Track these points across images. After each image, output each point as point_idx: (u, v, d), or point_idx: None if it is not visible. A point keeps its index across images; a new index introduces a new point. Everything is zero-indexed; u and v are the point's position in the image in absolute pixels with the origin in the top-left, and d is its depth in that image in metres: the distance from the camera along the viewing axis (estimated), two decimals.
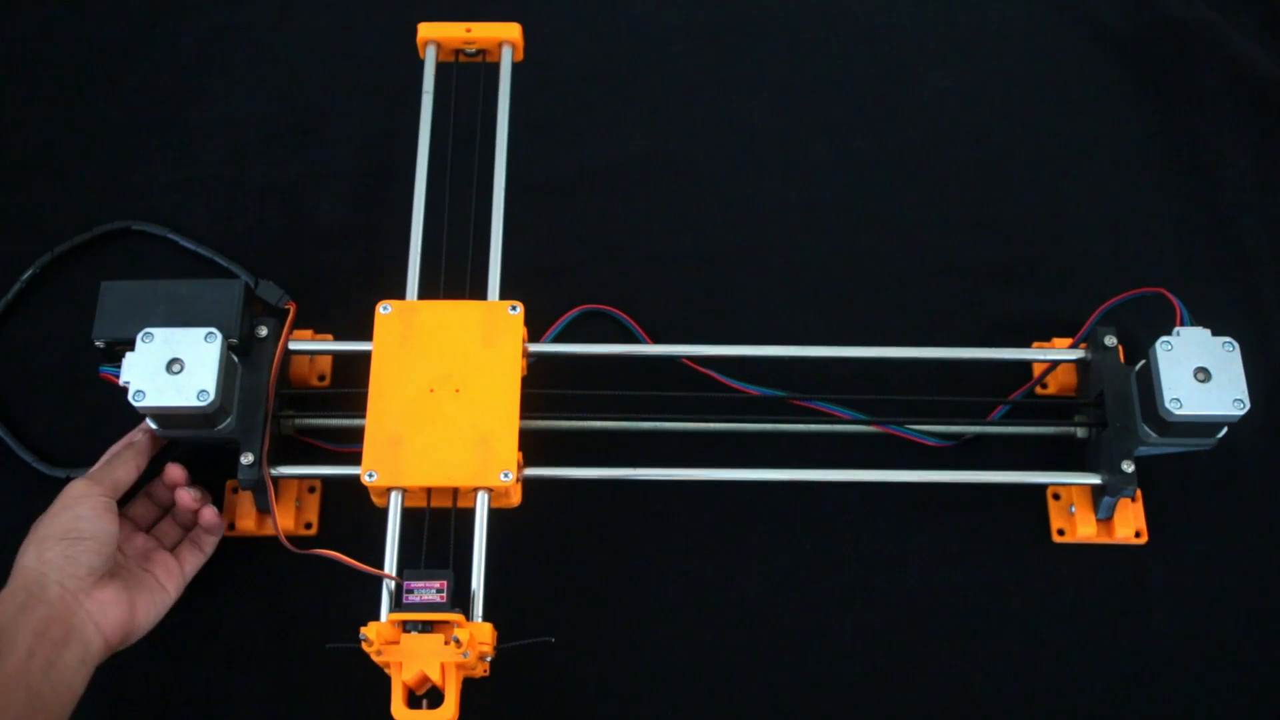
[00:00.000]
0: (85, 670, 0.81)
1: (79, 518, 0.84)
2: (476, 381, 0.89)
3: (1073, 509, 0.95)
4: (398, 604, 0.83)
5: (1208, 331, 0.90)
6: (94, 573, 0.82)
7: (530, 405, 0.90)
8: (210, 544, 0.92)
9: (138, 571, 0.87)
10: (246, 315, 0.92)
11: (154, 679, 0.91)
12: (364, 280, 1.03)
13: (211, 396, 0.85)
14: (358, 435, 0.89)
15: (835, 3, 1.19)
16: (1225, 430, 0.90)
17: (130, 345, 0.87)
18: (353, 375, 0.99)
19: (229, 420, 0.89)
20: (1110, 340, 0.94)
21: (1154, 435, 0.89)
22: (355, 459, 0.89)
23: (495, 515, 0.88)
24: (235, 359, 0.90)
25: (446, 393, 0.89)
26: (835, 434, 0.97)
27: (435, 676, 0.80)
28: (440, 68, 1.01)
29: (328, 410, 0.96)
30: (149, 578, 0.87)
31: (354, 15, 1.18)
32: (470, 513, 0.87)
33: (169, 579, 0.88)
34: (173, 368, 0.85)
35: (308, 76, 1.14)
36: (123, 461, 0.89)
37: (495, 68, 1.01)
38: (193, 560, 0.90)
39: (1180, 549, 0.95)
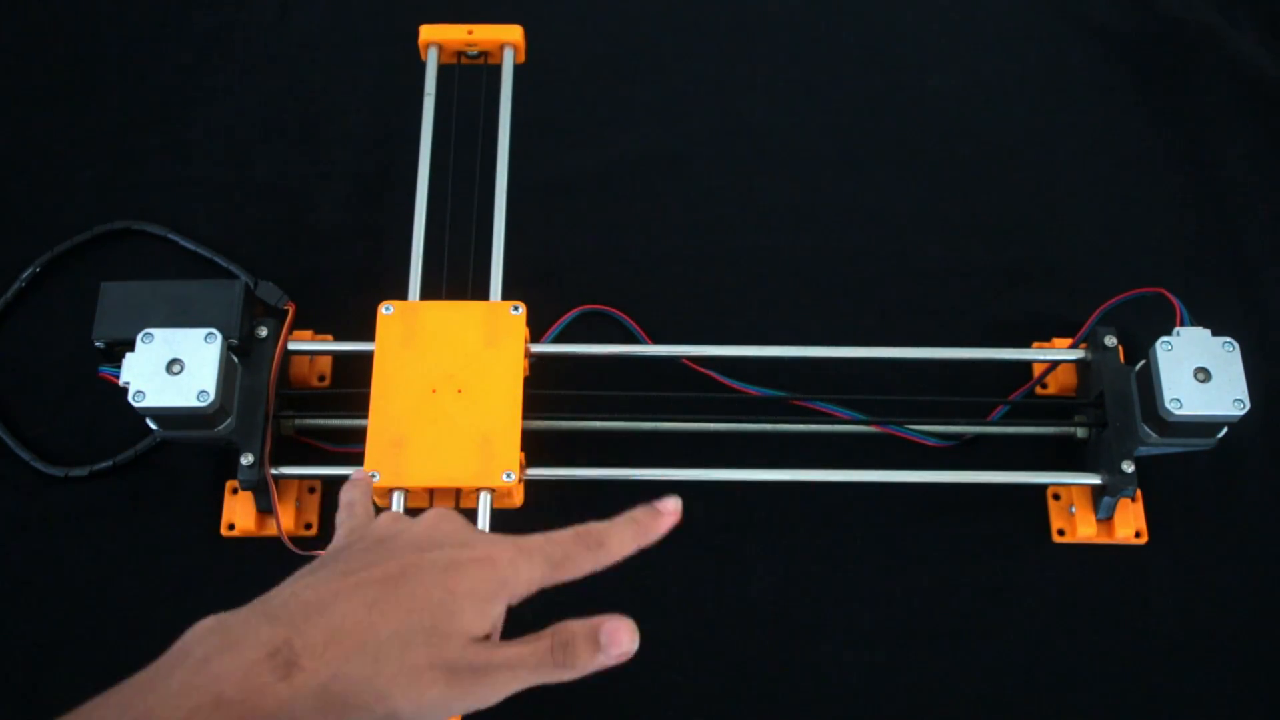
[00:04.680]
0: None
1: None
2: (479, 382, 0.89)
3: (1073, 509, 0.95)
4: None
5: (1208, 331, 0.90)
6: None
7: (531, 406, 0.90)
8: None
9: None
10: (246, 316, 0.92)
11: None
12: (364, 281, 1.03)
13: (211, 397, 0.85)
14: (358, 436, 0.90)
15: (836, 3, 1.19)
16: (1225, 430, 0.90)
17: (130, 345, 0.86)
18: (352, 376, 0.99)
19: (229, 421, 0.88)
20: (1110, 340, 0.94)
21: (1154, 435, 0.89)
22: (356, 459, 0.89)
23: (496, 516, 0.88)
24: (235, 359, 0.90)
25: (449, 393, 0.89)
26: (835, 434, 0.97)
27: None
28: (442, 69, 1.01)
29: (328, 411, 0.95)
30: None
31: (354, 15, 1.18)
32: (472, 513, 0.87)
33: None
34: (173, 368, 0.85)
35: (308, 76, 1.14)
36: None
37: (497, 69, 1.01)
38: None
39: (1180, 549, 0.95)
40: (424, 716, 0.55)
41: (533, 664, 0.59)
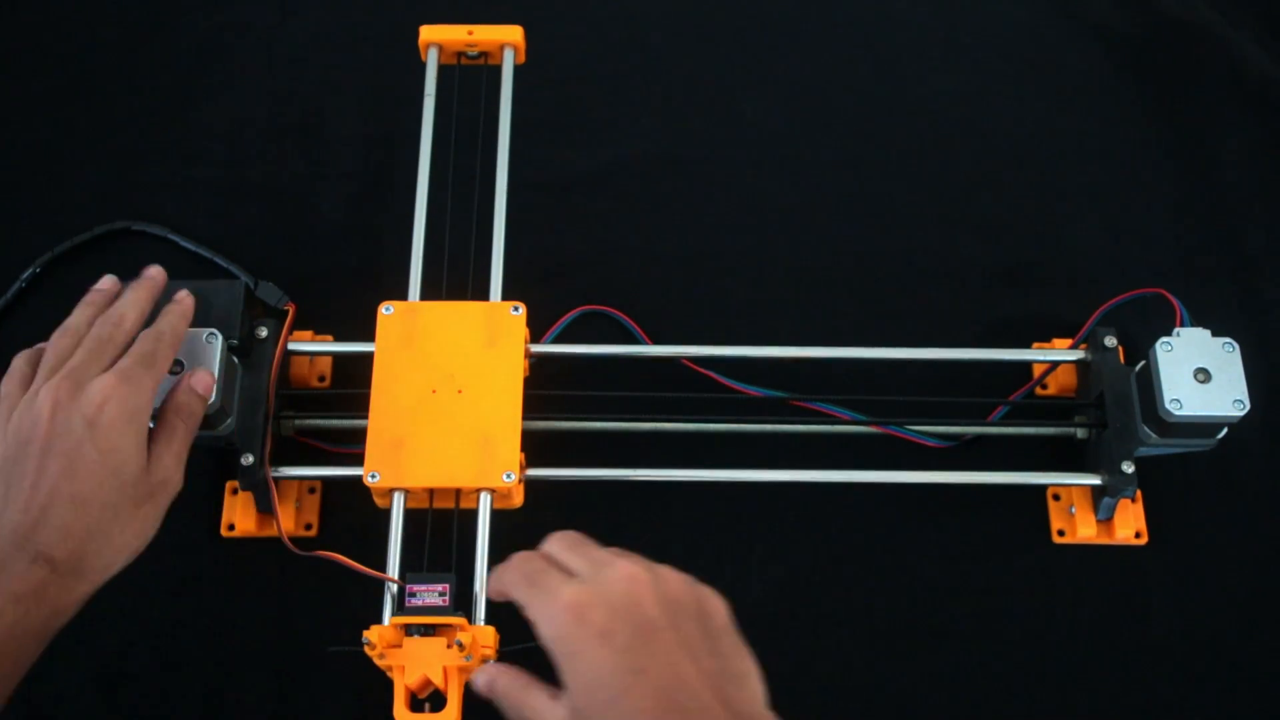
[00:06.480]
0: None
1: None
2: (479, 382, 0.89)
3: (1073, 510, 0.95)
4: (400, 607, 0.83)
5: (1208, 332, 0.90)
6: None
7: (530, 406, 0.90)
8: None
9: None
10: (247, 316, 0.92)
11: (154, 679, 0.91)
12: (364, 281, 1.02)
13: (212, 397, 0.85)
14: (358, 436, 0.90)
15: (836, 3, 1.19)
16: (1225, 431, 0.90)
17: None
18: (352, 376, 0.98)
19: (229, 421, 0.89)
20: (1110, 341, 0.94)
21: (1154, 436, 0.89)
22: (355, 460, 0.89)
23: (496, 516, 0.88)
24: (235, 360, 0.90)
25: (449, 394, 0.89)
26: (835, 434, 0.97)
27: (438, 680, 0.81)
28: (442, 70, 1.01)
29: (328, 411, 0.96)
30: None
31: (354, 16, 1.17)
32: (472, 514, 0.87)
33: None
34: (173, 369, 0.85)
35: (308, 76, 1.14)
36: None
37: (497, 70, 1.01)
38: None
39: (1180, 549, 0.95)
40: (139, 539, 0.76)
41: (182, 433, 0.80)
